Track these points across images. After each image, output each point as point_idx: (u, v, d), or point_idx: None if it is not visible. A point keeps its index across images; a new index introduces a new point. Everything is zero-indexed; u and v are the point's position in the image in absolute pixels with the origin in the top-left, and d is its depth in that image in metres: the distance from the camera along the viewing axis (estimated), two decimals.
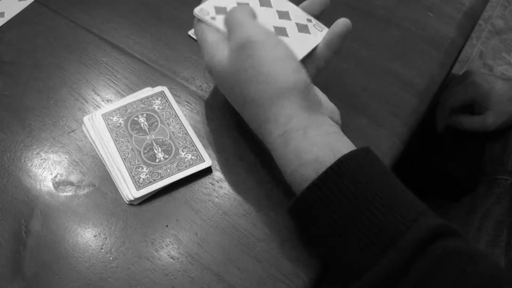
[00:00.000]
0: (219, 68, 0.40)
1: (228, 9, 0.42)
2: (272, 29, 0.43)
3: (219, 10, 0.43)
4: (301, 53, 0.42)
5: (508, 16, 1.69)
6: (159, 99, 0.48)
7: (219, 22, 0.42)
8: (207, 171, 0.44)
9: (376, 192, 0.34)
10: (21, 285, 0.38)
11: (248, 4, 0.44)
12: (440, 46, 0.55)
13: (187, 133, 0.45)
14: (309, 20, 0.44)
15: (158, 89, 0.49)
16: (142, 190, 0.42)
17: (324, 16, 0.56)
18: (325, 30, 0.44)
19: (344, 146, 0.37)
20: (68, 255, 0.40)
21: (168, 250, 0.40)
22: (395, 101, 0.50)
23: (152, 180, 0.43)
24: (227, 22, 0.41)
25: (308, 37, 0.44)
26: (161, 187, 0.42)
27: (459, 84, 0.68)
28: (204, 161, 0.44)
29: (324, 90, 0.43)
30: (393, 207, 0.34)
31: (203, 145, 0.45)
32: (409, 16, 0.57)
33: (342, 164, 0.35)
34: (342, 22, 0.42)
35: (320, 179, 0.35)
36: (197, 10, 0.43)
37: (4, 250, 0.40)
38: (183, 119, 0.46)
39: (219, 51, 0.40)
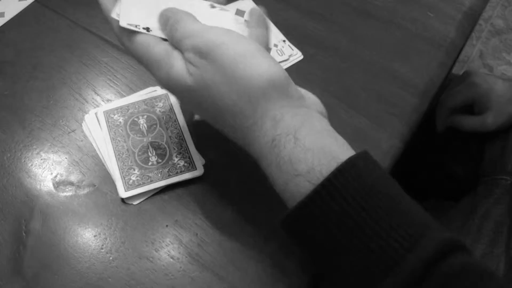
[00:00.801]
0: (179, 84, 0.35)
1: (154, 12, 0.37)
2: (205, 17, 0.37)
3: (147, 17, 0.37)
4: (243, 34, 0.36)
5: (508, 16, 1.69)
6: (162, 101, 0.48)
7: (157, 32, 0.36)
8: (199, 179, 0.43)
9: (378, 204, 0.31)
10: (21, 285, 0.38)
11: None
12: (440, 46, 0.55)
13: (183, 139, 0.45)
14: (212, 6, 0.39)
15: (163, 91, 0.49)
16: (130, 191, 0.42)
17: (324, 16, 0.56)
18: (230, 12, 0.38)
19: (340, 149, 0.33)
20: (68, 255, 0.40)
21: (168, 250, 0.40)
22: (395, 101, 0.50)
23: (142, 183, 0.43)
24: (172, 36, 0.36)
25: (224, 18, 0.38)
26: (149, 190, 0.42)
27: (459, 84, 0.68)
28: (196, 169, 0.43)
29: (324, 90, 0.42)
30: (394, 224, 0.30)
31: (200, 152, 0.45)
32: (409, 16, 0.57)
33: (340, 174, 0.31)
34: (253, 13, 0.38)
35: (316, 192, 0.31)
36: (124, 23, 0.36)
37: (4, 250, 0.40)
38: (183, 125, 0.46)
39: (173, 63, 0.35)
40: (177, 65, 0.35)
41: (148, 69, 0.37)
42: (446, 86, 0.71)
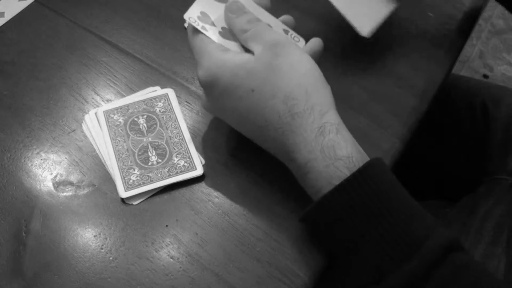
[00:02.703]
0: (237, 70, 0.39)
1: (216, 18, 0.42)
2: None
3: (204, 20, 0.42)
4: None
5: (508, 16, 1.69)
6: (162, 101, 0.48)
7: (211, 33, 0.42)
8: (199, 179, 0.44)
9: (399, 200, 0.36)
10: (21, 285, 0.38)
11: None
12: (440, 46, 0.55)
13: (183, 139, 0.45)
14: (286, 31, 0.44)
15: (163, 91, 0.49)
16: (130, 191, 0.42)
17: (324, 16, 0.56)
18: (302, 41, 0.44)
19: (362, 150, 0.39)
20: (68, 255, 0.40)
21: (168, 250, 0.40)
22: (395, 101, 0.50)
23: (142, 183, 0.43)
24: (244, 33, 0.41)
25: None
26: (149, 190, 0.42)
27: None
28: (196, 169, 0.43)
29: None
30: (412, 217, 0.35)
31: (200, 152, 0.45)
32: (409, 16, 0.57)
33: (372, 168, 0.36)
34: (317, 42, 0.43)
35: (353, 178, 0.36)
36: (186, 17, 0.42)
37: (4, 250, 0.40)
38: (182, 125, 0.46)
39: (232, 55, 0.40)
40: (237, 55, 0.40)
41: (199, 61, 0.41)
42: (447, 86, 0.71)
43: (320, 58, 0.43)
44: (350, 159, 0.36)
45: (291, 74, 0.39)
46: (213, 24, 0.42)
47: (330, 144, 0.37)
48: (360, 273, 0.37)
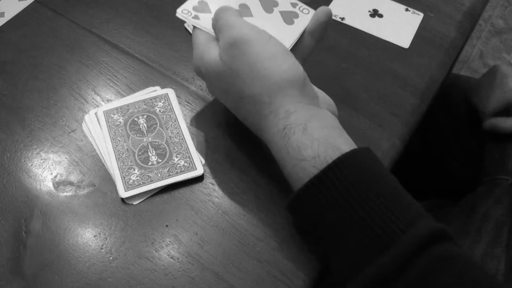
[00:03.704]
0: (211, 68, 0.40)
1: (210, 5, 0.43)
2: (259, 16, 0.43)
3: (200, 8, 0.43)
4: (291, 38, 0.42)
5: (508, 16, 1.69)
6: (162, 101, 0.48)
7: (204, 21, 0.42)
8: (199, 179, 0.44)
9: (375, 192, 0.35)
10: (21, 285, 0.38)
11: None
12: (440, 46, 0.55)
13: (183, 139, 0.45)
14: (294, 5, 0.44)
15: (163, 91, 0.49)
16: (130, 191, 0.42)
17: None
18: (312, 11, 0.44)
19: (344, 143, 0.37)
20: (68, 255, 0.40)
21: (168, 250, 0.40)
22: (395, 101, 0.50)
23: (142, 183, 0.43)
24: (215, 24, 0.41)
25: (296, 21, 0.43)
26: (149, 190, 0.42)
27: (490, 84, 0.67)
28: (196, 169, 0.43)
29: (324, 90, 0.43)
30: (392, 208, 0.34)
31: (200, 152, 0.45)
32: None
33: (342, 163, 0.35)
34: (322, 10, 0.42)
35: (321, 175, 0.35)
36: (179, 11, 0.43)
37: (4, 250, 0.40)
38: (182, 125, 0.46)
39: (210, 50, 0.41)
40: (213, 52, 0.40)
41: (193, 51, 0.43)
42: (447, 86, 0.71)
43: (326, 30, 0.43)
44: (317, 159, 0.36)
45: (252, 78, 0.38)
46: (210, 11, 0.43)
47: (295, 145, 0.37)
48: (338, 266, 0.37)
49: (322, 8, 0.42)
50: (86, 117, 0.47)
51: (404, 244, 0.33)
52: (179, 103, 0.48)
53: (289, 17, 0.44)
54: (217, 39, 0.41)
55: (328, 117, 0.39)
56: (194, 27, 0.43)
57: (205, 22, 0.42)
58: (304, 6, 0.44)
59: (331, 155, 0.35)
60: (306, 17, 0.43)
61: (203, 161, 0.44)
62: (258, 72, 0.38)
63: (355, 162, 0.35)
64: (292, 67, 0.39)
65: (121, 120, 0.46)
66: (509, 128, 0.65)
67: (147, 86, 0.50)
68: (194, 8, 0.43)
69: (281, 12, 0.44)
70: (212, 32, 0.42)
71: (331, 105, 0.41)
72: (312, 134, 0.37)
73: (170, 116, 0.47)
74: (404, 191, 0.36)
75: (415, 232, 0.33)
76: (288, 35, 0.42)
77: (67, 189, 0.43)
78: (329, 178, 0.35)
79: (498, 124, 0.66)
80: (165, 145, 0.45)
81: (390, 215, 0.34)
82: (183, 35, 0.54)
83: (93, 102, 0.48)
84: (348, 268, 0.35)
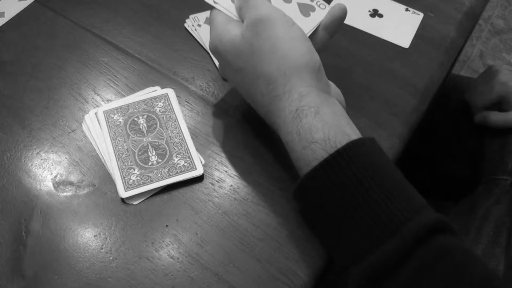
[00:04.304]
0: (230, 45, 0.41)
1: None
2: (277, 4, 0.44)
3: None
4: (306, 30, 0.43)
5: (508, 16, 1.69)
6: (162, 101, 0.48)
7: (223, 2, 0.43)
8: (199, 179, 0.44)
9: (382, 180, 0.35)
10: (21, 285, 0.38)
11: None
12: (440, 46, 0.55)
13: (183, 139, 0.45)
14: None
15: (163, 91, 0.49)
16: (130, 191, 0.42)
17: None
18: (328, 7, 0.44)
19: (352, 131, 0.38)
20: (68, 255, 0.40)
21: (168, 250, 0.40)
22: (395, 101, 0.50)
23: (142, 183, 0.43)
24: (244, 3, 0.41)
25: (312, 14, 0.44)
26: (149, 190, 0.42)
27: (484, 81, 0.68)
28: (196, 169, 0.43)
29: None
30: (398, 196, 0.35)
31: (200, 152, 0.45)
32: None
33: (351, 149, 0.36)
34: (338, 7, 0.43)
35: (330, 159, 0.36)
36: None
37: (4, 250, 0.40)
38: (182, 125, 0.46)
39: (229, 29, 0.41)
40: (233, 30, 0.41)
41: (210, 32, 0.43)
42: (447, 86, 0.71)
43: (341, 26, 0.44)
44: (327, 142, 0.36)
45: (272, 56, 0.39)
46: None
47: (306, 127, 0.37)
48: (341, 254, 0.37)
49: (338, 4, 0.43)
50: (86, 117, 0.47)
51: (410, 232, 0.33)
52: (179, 103, 0.48)
53: (306, 10, 0.44)
54: (241, 18, 0.42)
55: (338, 105, 0.40)
56: (212, 8, 0.43)
57: (224, 2, 0.43)
58: (322, 1, 0.44)
59: (341, 140, 0.36)
60: (322, 12, 0.44)
61: (203, 161, 0.44)
62: (278, 51, 0.39)
63: (362, 150, 0.36)
64: (310, 52, 0.40)
65: (121, 120, 0.46)
66: (499, 122, 0.65)
67: (147, 86, 0.50)
68: None
69: (299, 4, 0.44)
70: (230, 13, 0.42)
71: (340, 96, 0.43)
72: (324, 118, 0.37)
73: (170, 116, 0.47)
74: (408, 182, 0.37)
75: (420, 221, 0.34)
76: (303, 27, 0.42)
77: (67, 189, 0.43)
78: (337, 162, 0.35)
79: (489, 117, 0.66)
80: (165, 145, 0.45)
81: (396, 203, 0.34)
82: (183, 35, 0.54)
83: (93, 102, 0.48)
84: (352, 254, 0.35)
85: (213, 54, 0.44)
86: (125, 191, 0.42)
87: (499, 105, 0.66)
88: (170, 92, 0.49)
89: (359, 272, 0.34)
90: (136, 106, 0.47)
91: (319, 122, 0.37)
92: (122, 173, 0.43)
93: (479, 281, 0.33)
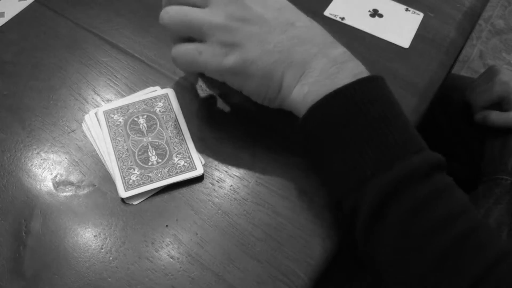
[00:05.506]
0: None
1: None
2: None
3: None
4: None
5: (508, 16, 1.69)
6: (162, 101, 0.48)
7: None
8: (199, 179, 0.44)
9: (394, 113, 0.37)
10: (21, 285, 0.38)
11: None
12: (440, 46, 0.55)
13: (183, 139, 0.45)
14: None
15: (163, 91, 0.49)
16: (130, 191, 0.42)
17: (324, 15, 0.56)
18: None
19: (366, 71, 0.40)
20: (68, 255, 0.40)
21: (168, 250, 0.40)
22: None
23: (142, 183, 0.43)
24: None
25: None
26: (149, 190, 0.42)
27: (484, 81, 0.68)
28: (196, 169, 0.43)
29: None
30: (407, 131, 0.37)
31: (200, 151, 0.45)
32: None
33: (365, 79, 0.38)
34: None
35: (346, 88, 0.37)
36: None
37: (4, 250, 0.40)
38: (183, 125, 0.46)
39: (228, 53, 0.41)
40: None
41: (206, 72, 0.42)
42: (448, 86, 0.71)
43: None
44: (359, 68, 0.40)
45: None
46: None
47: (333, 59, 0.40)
48: (342, 179, 0.37)
49: None
50: (86, 117, 0.47)
51: (410, 165, 0.34)
52: (179, 103, 0.48)
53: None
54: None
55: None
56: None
57: None
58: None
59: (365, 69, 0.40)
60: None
61: (203, 161, 0.44)
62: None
63: (376, 84, 0.38)
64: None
65: (121, 120, 0.46)
66: (499, 122, 0.65)
67: (147, 86, 0.50)
68: None
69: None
70: None
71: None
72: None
73: (170, 116, 0.47)
74: (410, 122, 0.39)
75: (426, 157, 0.35)
76: None
77: (67, 189, 0.43)
78: (350, 89, 0.37)
79: (489, 116, 0.66)
80: (165, 145, 0.45)
81: (404, 137, 0.36)
82: None
83: (93, 102, 0.48)
84: (351, 182, 0.36)
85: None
86: (125, 191, 0.42)
87: (499, 105, 0.66)
88: (170, 92, 0.49)
89: (378, 187, 0.34)
90: (136, 106, 0.47)
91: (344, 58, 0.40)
92: (122, 173, 0.43)
93: (471, 225, 0.35)
